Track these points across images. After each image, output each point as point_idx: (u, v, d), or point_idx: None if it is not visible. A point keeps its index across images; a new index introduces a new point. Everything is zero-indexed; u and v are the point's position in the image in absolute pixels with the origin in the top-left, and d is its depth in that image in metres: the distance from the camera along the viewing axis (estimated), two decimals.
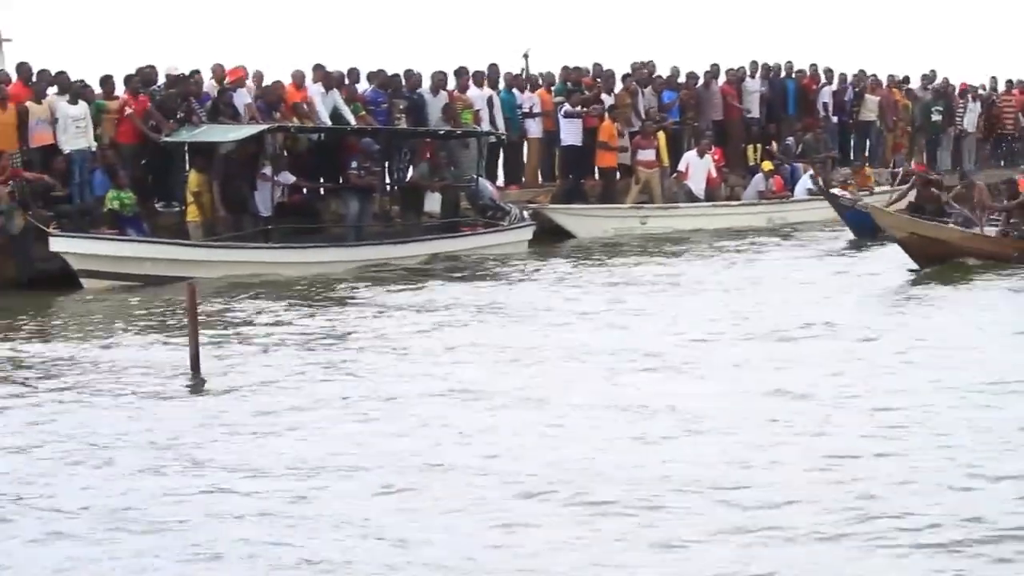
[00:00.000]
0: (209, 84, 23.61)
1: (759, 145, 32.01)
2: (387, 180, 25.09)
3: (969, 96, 36.00)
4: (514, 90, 27.74)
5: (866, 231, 24.23)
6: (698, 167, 28.82)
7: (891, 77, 35.38)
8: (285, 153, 23.81)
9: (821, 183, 28.66)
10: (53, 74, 22.06)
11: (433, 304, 18.76)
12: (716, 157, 29.42)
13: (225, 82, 23.56)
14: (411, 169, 25.46)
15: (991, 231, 22.27)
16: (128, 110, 22.35)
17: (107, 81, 22.71)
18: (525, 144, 28.08)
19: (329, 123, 24.18)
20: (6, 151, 20.93)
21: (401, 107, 25.73)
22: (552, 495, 9.86)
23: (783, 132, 32.02)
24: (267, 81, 24.39)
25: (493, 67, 27.71)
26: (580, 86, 28.64)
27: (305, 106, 24.23)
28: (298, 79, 24.48)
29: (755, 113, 31.60)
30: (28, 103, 21.56)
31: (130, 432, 11.99)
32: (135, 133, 22.50)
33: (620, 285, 20.58)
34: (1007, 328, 16.60)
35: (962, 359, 14.59)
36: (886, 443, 11.18)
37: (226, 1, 65.67)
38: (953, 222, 22.82)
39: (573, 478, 10.23)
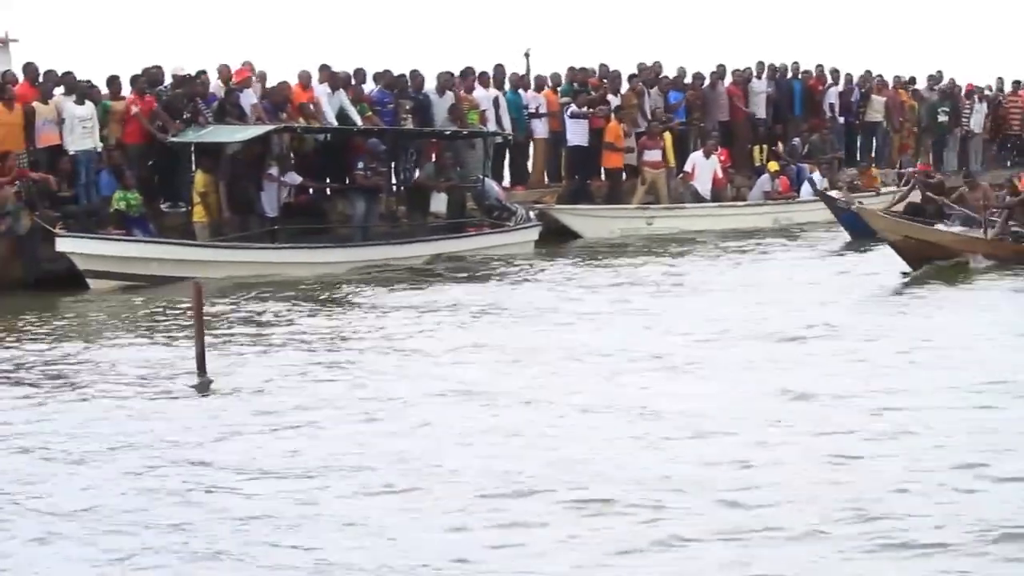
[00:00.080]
0: (215, 85, 23.63)
1: (765, 146, 32.02)
2: (393, 180, 25.15)
3: (976, 97, 35.97)
4: (520, 91, 27.77)
5: (862, 233, 24.15)
6: (704, 168, 28.85)
7: (897, 78, 35.37)
8: (291, 154, 23.83)
9: (818, 184, 28.66)
10: (60, 74, 22.11)
11: (439, 304, 18.79)
12: (722, 158, 29.44)
13: (231, 83, 23.60)
14: (417, 169, 25.48)
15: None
16: (134, 109, 22.38)
17: (113, 81, 22.74)
18: (531, 145, 28.11)
19: (335, 123, 24.22)
20: (12, 151, 20.96)
21: (407, 107, 25.76)
22: (553, 495, 9.88)
23: (789, 133, 32.03)
24: (272, 82, 24.42)
25: (499, 67, 27.76)
26: (586, 87, 28.66)
27: (311, 106, 24.27)
28: (304, 80, 24.51)
29: (761, 114, 31.60)
30: (35, 103, 21.60)
31: (134, 432, 12.01)
32: (141, 134, 22.53)
33: (625, 286, 20.60)
34: (1008, 328, 16.62)
35: (963, 359, 14.61)
36: (887, 444, 11.19)
37: (232, 2, 65.71)
38: (954, 223, 22.82)
39: (574, 478, 10.24)
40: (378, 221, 24.18)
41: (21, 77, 22.14)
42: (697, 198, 28.76)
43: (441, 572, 8.63)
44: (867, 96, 34.00)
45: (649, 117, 28.98)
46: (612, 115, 28.13)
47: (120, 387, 13.93)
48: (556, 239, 26.07)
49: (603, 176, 28.57)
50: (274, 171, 22.65)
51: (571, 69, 28.99)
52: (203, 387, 13.94)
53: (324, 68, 24.75)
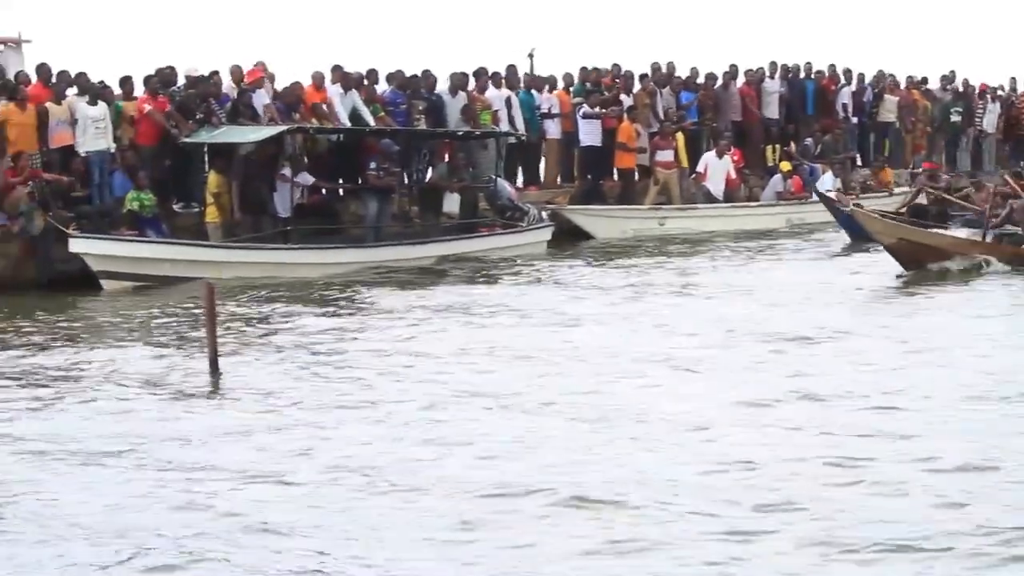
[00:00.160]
0: (228, 85, 23.66)
1: (778, 146, 32.01)
2: (406, 181, 25.16)
3: (988, 97, 35.97)
4: (532, 91, 27.77)
5: (861, 234, 24.05)
6: (717, 168, 28.86)
7: (910, 78, 35.38)
8: (304, 154, 23.85)
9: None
10: (73, 75, 22.18)
11: (451, 305, 18.80)
12: (735, 158, 29.45)
13: (243, 83, 23.62)
14: (430, 170, 25.51)
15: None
16: (147, 107, 22.40)
17: (127, 82, 22.80)
18: (544, 145, 28.11)
19: (348, 124, 24.24)
20: (25, 152, 21.01)
21: (420, 108, 25.79)
22: (553, 495, 9.89)
23: (802, 133, 32.03)
24: (285, 82, 24.46)
25: (511, 68, 27.77)
26: (599, 87, 28.67)
27: (324, 107, 24.30)
28: (318, 80, 24.54)
29: (774, 114, 31.58)
30: (48, 104, 21.66)
31: (146, 432, 12.03)
32: (155, 134, 22.56)
33: (636, 287, 20.60)
34: (1007, 328, 16.66)
35: (963, 360, 14.61)
36: (887, 444, 11.19)
37: (245, 2, 65.82)
38: (956, 225, 22.78)
39: (575, 479, 10.26)
40: (391, 222, 24.22)
41: (34, 78, 22.21)
42: (709, 198, 28.77)
43: (443, 573, 8.64)
44: (880, 96, 34.01)
45: (662, 117, 29.01)
46: (625, 115, 28.14)
47: (132, 388, 13.96)
48: (568, 239, 26.12)
49: (615, 176, 28.60)
50: (287, 172, 22.68)
51: (583, 69, 29.03)
52: (215, 387, 13.96)
53: (337, 68, 24.79)
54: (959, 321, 17.23)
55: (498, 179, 25.47)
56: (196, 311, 17.71)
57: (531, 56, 29.71)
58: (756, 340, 15.79)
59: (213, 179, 22.39)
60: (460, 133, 25.38)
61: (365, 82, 25.23)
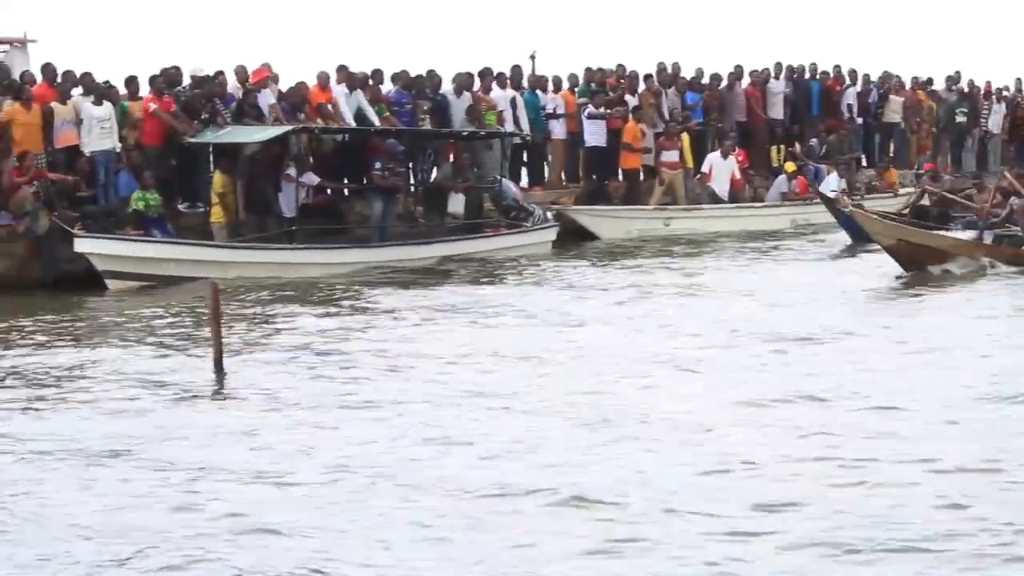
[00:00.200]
0: (233, 85, 23.69)
1: (783, 146, 32.01)
2: (411, 181, 25.19)
3: (994, 97, 35.98)
4: (537, 91, 27.79)
5: (860, 235, 24.03)
6: (722, 168, 28.88)
7: (915, 78, 35.38)
8: (309, 154, 23.87)
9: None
10: (78, 75, 22.21)
11: (455, 305, 18.82)
12: (740, 159, 29.46)
13: (248, 83, 23.65)
14: (435, 170, 25.53)
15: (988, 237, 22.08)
16: (152, 107, 22.42)
17: (132, 82, 22.84)
18: (549, 145, 28.14)
19: (353, 124, 24.27)
20: (31, 152, 21.05)
21: (425, 108, 25.80)
22: (554, 495, 9.90)
23: (807, 133, 32.02)
24: (290, 82, 24.47)
25: (516, 68, 27.79)
26: (604, 87, 28.68)
27: (329, 107, 24.31)
28: (323, 80, 24.56)
29: (779, 115, 31.59)
30: (53, 104, 21.71)
31: (150, 432, 12.05)
32: (160, 134, 22.59)
33: (641, 287, 20.60)
34: (1007, 329, 16.67)
35: (964, 360, 14.61)
36: (888, 444, 11.20)
37: (250, 2, 65.85)
38: (957, 226, 22.76)
39: (575, 479, 10.26)
40: (396, 222, 24.26)
41: (39, 78, 22.26)
42: (715, 199, 28.79)
43: (442, 573, 8.66)
44: (885, 97, 34.01)
45: (667, 118, 29.02)
46: (630, 116, 28.15)
47: (136, 387, 13.96)
48: (573, 240, 26.15)
49: (620, 177, 28.62)
50: (292, 171, 22.71)
51: (588, 70, 29.04)
52: (219, 387, 13.98)
53: (342, 68, 24.81)
54: (960, 322, 17.23)
55: (503, 179, 25.49)
56: (201, 311, 17.71)
57: (532, 58, 29.74)
58: (757, 341, 15.78)
59: (218, 179, 22.42)
60: (465, 133, 25.39)
61: (370, 82, 25.25)
